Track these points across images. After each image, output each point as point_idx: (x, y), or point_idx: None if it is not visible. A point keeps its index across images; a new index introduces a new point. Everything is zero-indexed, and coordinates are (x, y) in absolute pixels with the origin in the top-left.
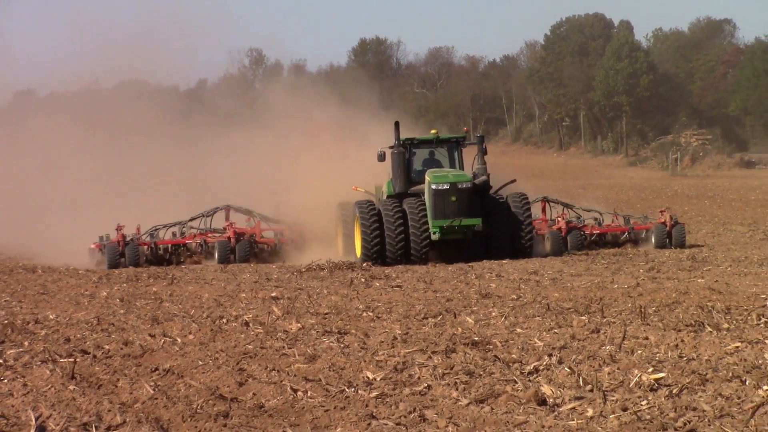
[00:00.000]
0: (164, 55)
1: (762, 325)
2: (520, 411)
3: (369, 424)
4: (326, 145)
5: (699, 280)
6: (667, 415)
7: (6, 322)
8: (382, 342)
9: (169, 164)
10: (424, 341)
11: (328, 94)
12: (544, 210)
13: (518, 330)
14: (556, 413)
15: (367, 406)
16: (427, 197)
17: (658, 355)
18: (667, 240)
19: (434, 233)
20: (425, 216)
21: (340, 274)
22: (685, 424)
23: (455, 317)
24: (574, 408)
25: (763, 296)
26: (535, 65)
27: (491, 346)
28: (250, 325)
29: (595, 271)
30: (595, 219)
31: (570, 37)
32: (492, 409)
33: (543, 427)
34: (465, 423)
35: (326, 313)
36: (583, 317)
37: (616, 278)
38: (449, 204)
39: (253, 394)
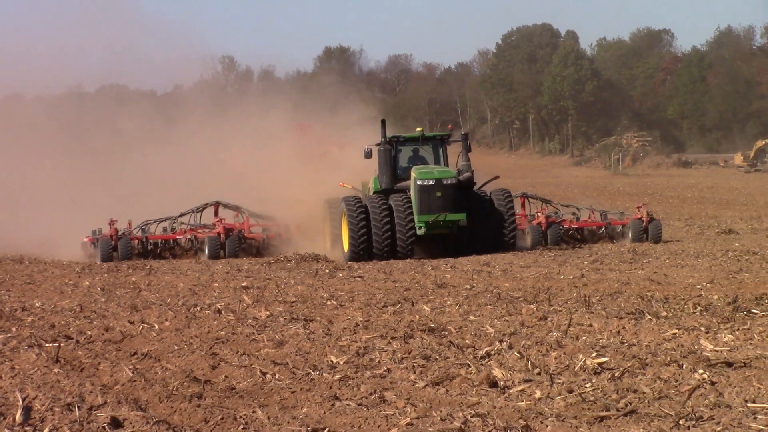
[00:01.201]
0: (142, 62)
1: (698, 313)
2: (473, 393)
3: (333, 405)
4: (311, 142)
5: (639, 272)
6: (610, 396)
7: None
8: (345, 328)
9: (153, 162)
10: (384, 328)
11: (301, 98)
12: (523, 206)
13: (471, 317)
14: (506, 395)
15: (331, 387)
16: (412, 193)
17: (601, 341)
18: (644, 235)
19: (420, 228)
20: (411, 211)
21: (306, 266)
22: (626, 405)
23: (413, 305)
24: (523, 390)
25: (698, 286)
26: (488, 72)
27: (446, 333)
28: (223, 312)
29: (542, 263)
30: (573, 214)
31: (520, 46)
32: (447, 390)
33: (494, 407)
34: (422, 404)
35: (293, 302)
36: (531, 306)
37: (562, 270)
38: (435, 199)
39: (225, 376)
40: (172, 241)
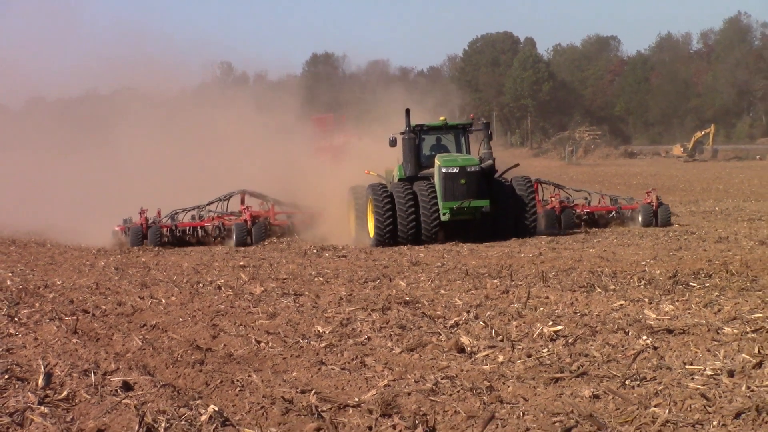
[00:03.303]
0: (149, 67)
1: (642, 286)
2: (443, 358)
3: (319, 369)
4: (329, 134)
5: (590, 250)
6: (564, 360)
7: (21, 287)
8: (331, 302)
9: (175, 156)
10: (365, 301)
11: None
12: (536, 191)
13: (442, 291)
14: (472, 359)
15: (317, 354)
16: (437, 180)
17: (556, 311)
18: (653, 219)
19: (444, 214)
20: (435, 198)
21: (296, 247)
22: (578, 368)
23: (390, 281)
24: (487, 355)
25: (643, 263)
26: (456, 74)
27: (420, 305)
28: (222, 288)
29: (505, 243)
30: (585, 199)
31: (484, 51)
32: (420, 356)
33: (462, 370)
34: (398, 368)
35: (285, 279)
36: (495, 281)
37: (522, 249)
38: (459, 186)
39: (224, 345)
40: (200, 228)
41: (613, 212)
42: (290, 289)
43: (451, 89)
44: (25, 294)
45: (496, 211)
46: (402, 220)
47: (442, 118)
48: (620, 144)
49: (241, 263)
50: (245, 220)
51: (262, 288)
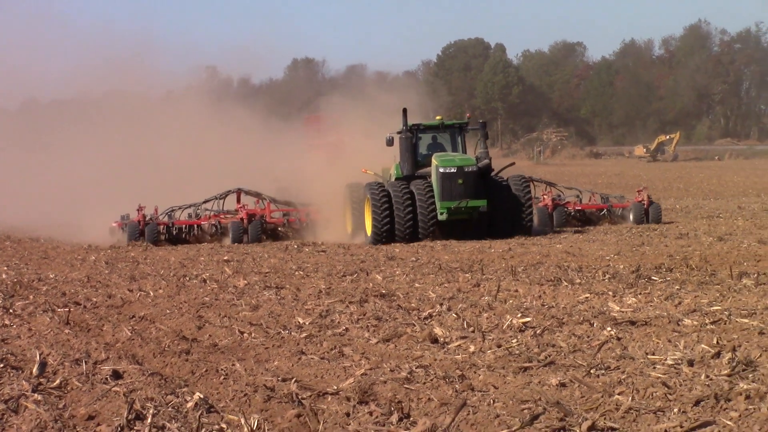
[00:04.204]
0: (140, 70)
1: (606, 280)
2: (418, 348)
3: (300, 359)
4: (322, 133)
5: (557, 246)
6: (533, 350)
7: (15, 280)
8: (311, 294)
9: (170, 155)
10: (343, 293)
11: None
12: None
13: (416, 285)
14: (445, 349)
15: (298, 344)
16: (434, 180)
17: (525, 303)
18: (645, 217)
19: (442, 214)
20: (432, 197)
21: (277, 242)
22: (546, 357)
23: (367, 275)
24: (459, 345)
25: (607, 258)
26: (430, 78)
27: (395, 297)
28: (207, 281)
29: (476, 239)
30: (577, 197)
31: (457, 56)
32: (396, 346)
33: (435, 360)
34: (374, 357)
35: (267, 272)
36: (467, 275)
37: (493, 244)
38: (456, 186)
39: (209, 335)
40: (196, 226)
41: (605, 210)
42: (272, 282)
43: (429, 92)
44: (19, 287)
45: (493, 209)
46: (399, 219)
47: (438, 117)
48: (586, 145)
49: (226, 258)
50: (241, 219)
51: (246, 281)
